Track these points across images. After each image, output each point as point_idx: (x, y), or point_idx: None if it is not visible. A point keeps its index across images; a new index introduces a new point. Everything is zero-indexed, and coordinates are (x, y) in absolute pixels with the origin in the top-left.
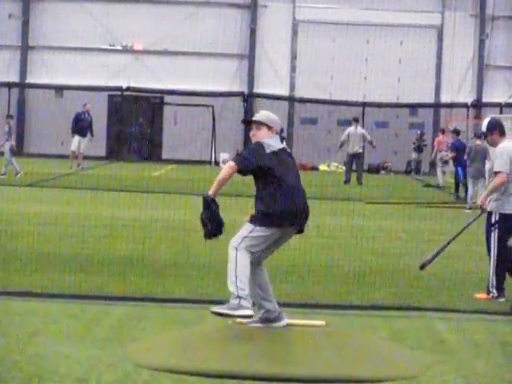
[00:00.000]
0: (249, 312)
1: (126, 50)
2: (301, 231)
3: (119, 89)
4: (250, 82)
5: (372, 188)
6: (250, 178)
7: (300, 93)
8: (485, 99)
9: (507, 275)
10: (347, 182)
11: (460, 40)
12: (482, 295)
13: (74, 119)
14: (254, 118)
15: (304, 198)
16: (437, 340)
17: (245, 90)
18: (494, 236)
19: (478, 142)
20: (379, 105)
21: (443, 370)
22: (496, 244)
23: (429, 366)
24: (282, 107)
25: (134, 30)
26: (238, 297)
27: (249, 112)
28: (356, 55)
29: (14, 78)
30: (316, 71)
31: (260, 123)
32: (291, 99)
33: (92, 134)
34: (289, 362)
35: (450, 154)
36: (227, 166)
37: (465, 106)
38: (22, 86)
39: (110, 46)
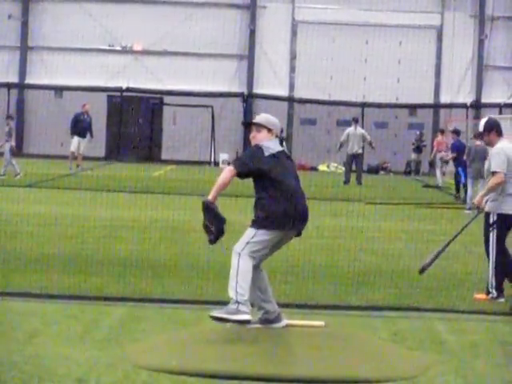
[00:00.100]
0: (246, 317)
1: (126, 51)
2: (299, 234)
3: (119, 89)
4: (250, 83)
5: (371, 188)
6: (249, 179)
7: (299, 93)
8: (484, 100)
9: (507, 281)
10: (347, 182)
11: (459, 40)
12: (481, 296)
13: (73, 120)
14: (254, 121)
15: (304, 201)
16: (436, 340)
17: (244, 90)
18: (493, 236)
19: (478, 142)
20: (378, 105)
21: (443, 371)
22: (495, 244)
23: (428, 367)
24: (282, 108)
25: (133, 30)
26: (237, 302)
27: (248, 112)
28: (355, 56)
29: (14, 78)
30: (315, 72)
31: (260, 125)
32: (290, 100)
33: (91, 135)
34: (288, 363)
35: (451, 155)
36: (226, 171)
37: (464, 106)
38: (22, 86)
39: (110, 46)
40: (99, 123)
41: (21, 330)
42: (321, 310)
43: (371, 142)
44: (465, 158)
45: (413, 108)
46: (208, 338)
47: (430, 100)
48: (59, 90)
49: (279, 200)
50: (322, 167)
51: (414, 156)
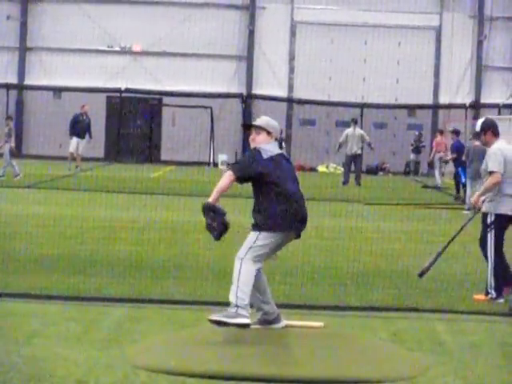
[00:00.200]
0: (246, 321)
1: (125, 52)
2: (298, 236)
3: (117, 90)
4: (249, 84)
5: (370, 189)
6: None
7: (298, 94)
8: (483, 100)
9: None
10: (346, 183)
11: (458, 41)
12: (480, 296)
13: (72, 121)
14: (254, 123)
15: (303, 203)
16: (436, 341)
17: (243, 91)
18: (491, 237)
19: (477, 142)
20: (377, 106)
21: (442, 371)
22: (493, 245)
23: (428, 367)
24: (281, 108)
25: (132, 31)
26: (236, 306)
27: (247, 113)
28: (354, 56)
29: (13, 79)
30: (314, 72)
31: (260, 128)
32: (289, 100)
33: (90, 136)
34: (287, 364)
35: (451, 155)
36: (226, 176)
37: (463, 107)
38: (21, 87)
39: (109, 47)
40: (98, 124)
41: (20, 331)
42: (320, 310)
43: (370, 142)
44: (464, 158)
45: (412, 108)
46: (207, 338)
47: (429, 100)
48: (58, 90)
49: (278, 203)
50: (321, 168)
51: (412, 157)
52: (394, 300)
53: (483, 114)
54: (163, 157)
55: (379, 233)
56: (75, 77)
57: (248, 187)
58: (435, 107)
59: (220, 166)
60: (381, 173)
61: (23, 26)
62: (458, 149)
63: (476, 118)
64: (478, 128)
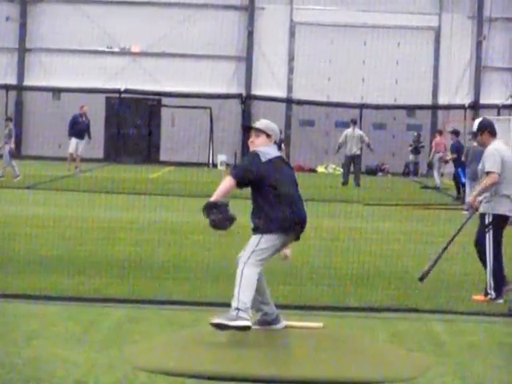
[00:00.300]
0: (246, 323)
1: (124, 52)
2: (297, 238)
3: (117, 91)
4: (248, 84)
5: (369, 190)
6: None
7: (297, 95)
8: (482, 101)
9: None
10: (345, 183)
11: (457, 42)
12: (479, 297)
13: (71, 121)
14: (254, 126)
15: (302, 206)
16: (435, 342)
17: (242, 91)
18: (489, 237)
19: (476, 143)
20: (377, 106)
21: (441, 372)
22: (491, 245)
23: (427, 368)
24: (280, 109)
25: (131, 32)
26: (237, 309)
27: (246, 114)
28: (353, 57)
29: (12, 80)
30: (313, 73)
31: (259, 130)
32: (289, 101)
33: (89, 137)
34: (287, 364)
35: (451, 156)
36: (226, 180)
37: (462, 107)
38: (20, 88)
39: (108, 48)
40: (97, 125)
41: (19, 332)
42: (319, 311)
43: (369, 143)
44: (463, 158)
45: (411, 109)
46: (206, 339)
47: (428, 101)
48: (57, 91)
49: (278, 205)
50: (321, 168)
51: (412, 157)
52: (393, 301)
53: (482, 114)
54: (162, 157)
55: (378, 233)
56: (74, 77)
57: (246, 188)
58: (434, 108)
59: (219, 167)
60: (380, 173)
61: (22, 27)
62: (457, 149)
63: (475, 118)
64: (474, 128)
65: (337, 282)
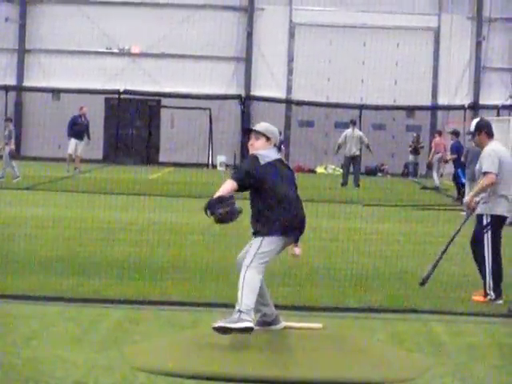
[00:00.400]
0: (249, 324)
1: (123, 53)
2: (296, 241)
3: (116, 92)
4: (247, 85)
5: (369, 190)
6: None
7: (297, 95)
8: (482, 101)
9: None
10: (344, 184)
11: (457, 42)
12: (479, 297)
13: (71, 122)
14: (254, 128)
15: (301, 209)
16: (434, 342)
17: (242, 92)
18: (487, 238)
19: (473, 143)
20: (376, 107)
21: (441, 373)
22: (490, 246)
23: (426, 369)
24: (279, 110)
25: (131, 32)
26: (239, 311)
27: (246, 115)
28: (353, 58)
29: (11, 81)
30: (313, 74)
31: (259, 133)
32: (288, 102)
33: (89, 137)
34: (286, 365)
35: (452, 156)
36: (227, 183)
37: (462, 108)
38: (19, 89)
39: (107, 48)
40: (97, 126)
41: (19, 333)
42: (319, 312)
43: (368, 144)
44: (462, 159)
45: (410, 110)
46: (206, 340)
47: (427, 102)
48: (57, 92)
49: (277, 208)
50: (320, 169)
51: (411, 158)
52: (392, 301)
53: (482, 115)
54: (162, 158)
55: (378, 234)
56: (74, 78)
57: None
58: (434, 108)
59: (219, 168)
60: (379, 174)
61: (22, 27)
62: (457, 150)
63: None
64: (472, 128)
65: (336, 283)
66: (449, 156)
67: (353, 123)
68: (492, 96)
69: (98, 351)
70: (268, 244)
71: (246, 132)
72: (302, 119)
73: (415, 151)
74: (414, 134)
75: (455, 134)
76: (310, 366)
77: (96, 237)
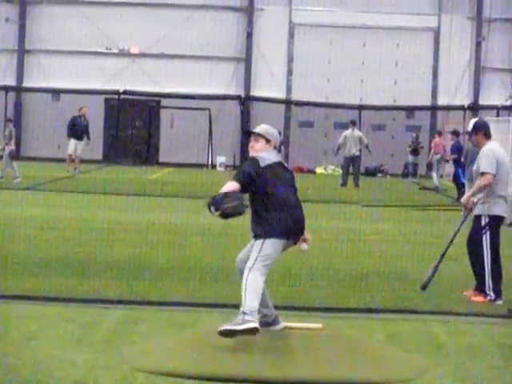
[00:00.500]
0: (253, 325)
1: (123, 54)
2: (295, 243)
3: (116, 92)
4: (247, 85)
5: (368, 191)
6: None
7: (297, 96)
8: (481, 102)
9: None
10: (344, 184)
11: (457, 42)
12: (479, 298)
13: (70, 123)
14: (253, 130)
15: (300, 211)
16: (434, 343)
17: (241, 93)
18: (486, 239)
19: (470, 143)
20: (376, 107)
21: (440, 373)
22: (489, 247)
23: (426, 369)
24: (279, 110)
25: (130, 33)
26: (243, 313)
27: (245, 115)
28: (352, 58)
29: (11, 81)
30: (312, 74)
31: (259, 135)
32: (288, 102)
33: (88, 138)
34: (285, 365)
35: (451, 156)
36: (230, 184)
37: (462, 108)
38: (19, 89)
39: (107, 49)
40: (96, 126)
41: (18, 333)
42: (318, 312)
43: (368, 145)
44: (462, 159)
45: (410, 110)
46: (205, 340)
47: (427, 102)
48: (56, 92)
49: (276, 211)
50: (320, 170)
51: (411, 158)
52: (392, 302)
53: (482, 115)
54: (161, 159)
55: (377, 234)
56: (73, 79)
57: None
58: (434, 109)
59: (218, 168)
60: (379, 174)
61: (22, 28)
62: (457, 150)
63: None
64: (469, 128)
65: (336, 283)
66: (449, 156)
67: (352, 123)
68: (492, 96)
69: (97, 351)
70: (269, 246)
71: (246, 134)
72: (302, 119)
73: (415, 152)
74: (414, 135)
75: (455, 134)
76: (309, 367)
77: (96, 237)
